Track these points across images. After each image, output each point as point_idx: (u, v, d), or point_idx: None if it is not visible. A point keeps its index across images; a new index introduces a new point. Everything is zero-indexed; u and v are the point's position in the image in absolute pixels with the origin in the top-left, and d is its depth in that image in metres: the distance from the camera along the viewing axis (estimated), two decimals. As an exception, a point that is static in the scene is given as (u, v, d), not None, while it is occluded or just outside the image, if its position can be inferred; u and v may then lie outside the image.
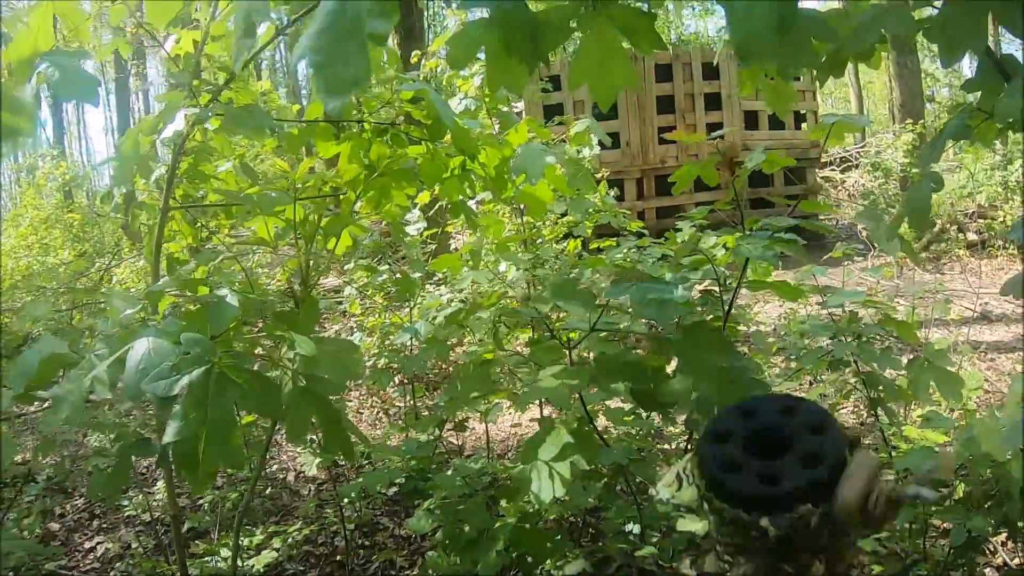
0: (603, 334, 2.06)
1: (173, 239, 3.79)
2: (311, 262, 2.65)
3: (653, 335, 1.93)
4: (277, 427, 2.72)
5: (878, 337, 3.26)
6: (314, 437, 4.32)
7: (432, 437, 3.73)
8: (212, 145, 3.04)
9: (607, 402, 2.92)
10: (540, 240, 5.08)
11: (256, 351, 2.15)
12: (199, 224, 3.81)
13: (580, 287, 1.92)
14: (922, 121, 12.32)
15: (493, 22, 1.46)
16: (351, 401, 6.10)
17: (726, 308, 2.43)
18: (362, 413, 5.89)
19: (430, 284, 5.56)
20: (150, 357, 1.73)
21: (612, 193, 5.72)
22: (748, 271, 2.49)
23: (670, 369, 1.92)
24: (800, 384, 5.48)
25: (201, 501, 4.60)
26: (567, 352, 2.14)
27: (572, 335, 2.17)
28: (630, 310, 1.96)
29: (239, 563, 3.59)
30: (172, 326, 1.83)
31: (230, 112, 2.61)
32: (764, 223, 2.32)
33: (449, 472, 2.82)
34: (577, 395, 2.12)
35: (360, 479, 3.42)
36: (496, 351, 2.47)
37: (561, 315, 2.63)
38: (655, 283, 1.89)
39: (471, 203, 4.31)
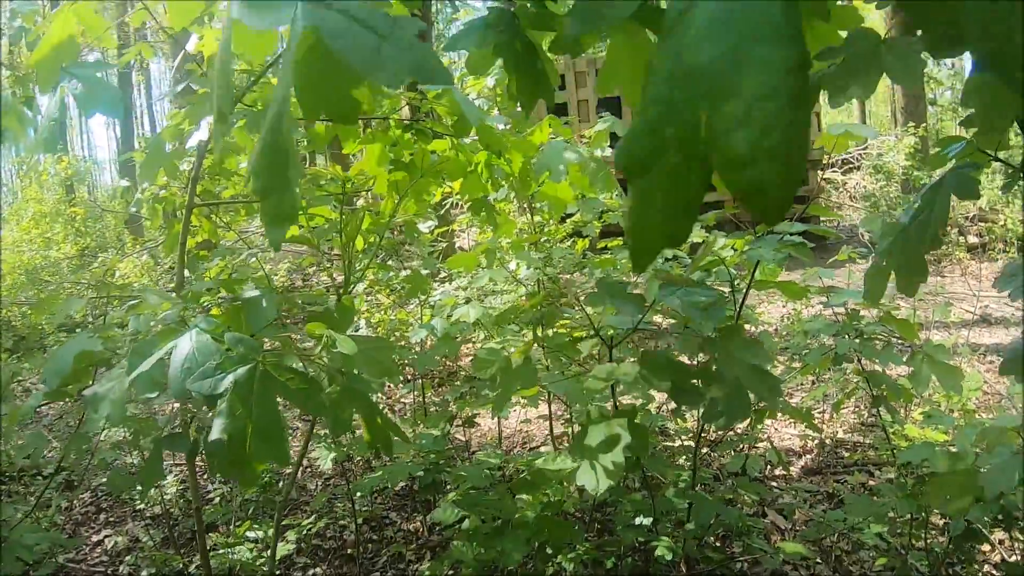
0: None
1: (193, 234, 3.85)
2: (351, 262, 2.71)
3: (694, 335, 2.00)
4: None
5: (880, 336, 3.33)
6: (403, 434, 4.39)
7: (442, 432, 3.80)
8: (236, 143, 3.09)
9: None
10: (546, 240, 5.15)
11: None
12: (215, 219, 3.88)
13: (631, 291, 2.00)
14: (924, 124, 12.42)
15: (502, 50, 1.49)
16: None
17: (737, 308, 2.50)
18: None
19: (436, 282, 5.62)
20: (194, 356, 1.78)
21: (617, 192, 5.78)
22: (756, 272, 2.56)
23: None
24: (802, 384, 5.56)
25: (211, 495, 4.65)
26: (609, 350, 2.22)
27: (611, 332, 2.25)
28: (673, 311, 2.03)
29: (252, 555, 3.65)
30: (211, 324, 1.88)
31: (251, 116, 2.66)
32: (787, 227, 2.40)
33: (467, 465, 2.89)
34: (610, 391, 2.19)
35: (377, 473, 3.47)
36: (531, 346, 2.52)
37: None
38: (701, 288, 1.99)
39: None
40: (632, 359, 2.08)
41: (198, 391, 1.71)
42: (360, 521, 4.16)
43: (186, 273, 2.86)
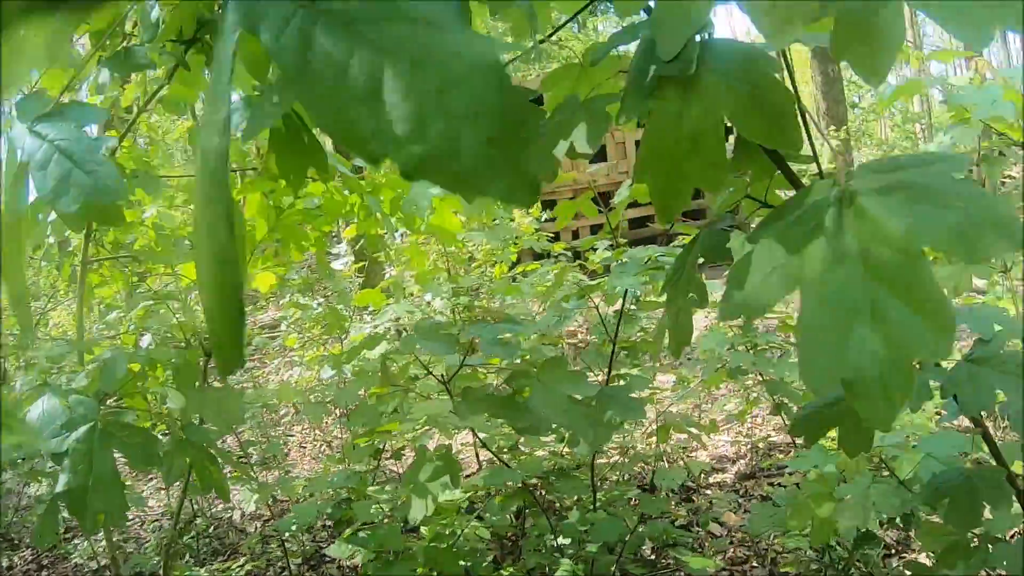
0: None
1: (105, 284, 3.87)
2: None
3: (514, 369, 2.07)
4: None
5: (776, 345, 3.40)
6: (252, 474, 4.40)
7: (369, 467, 3.82)
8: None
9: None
10: (472, 266, 5.21)
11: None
12: (129, 270, 3.90)
13: (443, 331, 2.07)
14: (845, 127, 12.65)
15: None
16: (293, 436, 6.17)
17: (614, 334, 2.57)
18: (305, 447, 5.95)
19: (368, 315, 5.65)
20: (43, 416, 1.86)
21: (545, 215, 5.85)
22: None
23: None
24: (706, 394, 5.57)
25: (148, 542, 4.65)
26: (444, 386, 2.29)
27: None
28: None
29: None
30: (68, 384, 1.96)
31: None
32: (633, 253, 2.48)
33: (361, 501, 2.94)
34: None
35: (289, 515, 3.50)
36: (387, 385, 2.60)
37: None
38: (511, 324, 2.08)
39: (397, 235, 4.43)
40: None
41: (47, 449, 1.81)
42: (299, 561, 4.17)
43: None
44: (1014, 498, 1.72)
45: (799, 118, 0.86)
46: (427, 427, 3.24)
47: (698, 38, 0.95)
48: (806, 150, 1.00)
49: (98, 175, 0.86)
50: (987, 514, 1.77)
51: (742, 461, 4.97)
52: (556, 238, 5.48)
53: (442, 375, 2.29)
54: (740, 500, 4.41)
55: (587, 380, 1.97)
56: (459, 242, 4.67)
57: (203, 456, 1.93)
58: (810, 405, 1.52)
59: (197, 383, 2.09)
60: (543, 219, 5.88)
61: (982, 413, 1.59)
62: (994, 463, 1.71)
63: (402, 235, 4.40)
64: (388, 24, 0.65)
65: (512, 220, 4.81)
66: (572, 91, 1.39)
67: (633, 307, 3.12)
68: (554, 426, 2.02)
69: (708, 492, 4.54)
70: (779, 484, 4.47)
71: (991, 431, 1.73)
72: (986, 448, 1.68)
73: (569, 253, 5.19)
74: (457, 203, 2.92)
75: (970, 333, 1.58)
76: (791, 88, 1.03)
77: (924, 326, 0.65)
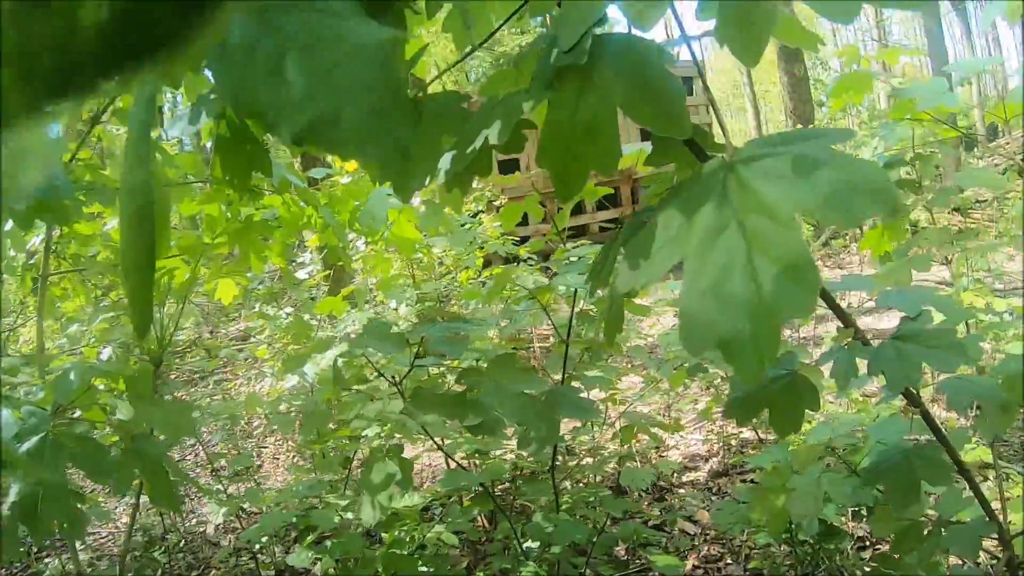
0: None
1: (68, 298, 3.86)
2: (167, 322, 2.76)
3: (465, 367, 2.09)
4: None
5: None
6: (220, 487, 4.39)
7: (340, 476, 3.82)
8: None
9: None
10: (441, 272, 5.22)
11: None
12: (92, 283, 3.90)
13: (392, 331, 2.09)
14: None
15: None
16: (267, 447, 6.15)
17: (568, 331, 2.60)
18: (279, 459, 5.94)
19: (338, 323, 5.66)
20: None
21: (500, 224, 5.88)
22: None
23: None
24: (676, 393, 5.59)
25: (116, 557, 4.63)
26: (396, 388, 2.31)
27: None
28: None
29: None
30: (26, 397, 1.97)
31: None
32: (579, 251, 2.51)
33: (318, 510, 2.95)
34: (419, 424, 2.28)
35: (256, 525, 3.49)
36: (338, 390, 2.61)
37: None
38: (461, 323, 2.10)
39: (360, 244, 4.45)
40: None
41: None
42: (272, 573, 4.16)
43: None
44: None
45: (684, 104, 0.90)
46: (394, 434, 3.26)
47: (600, 32, 1.00)
48: (720, 138, 1.03)
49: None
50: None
51: (714, 459, 5.00)
52: (524, 241, 5.52)
53: (393, 376, 2.30)
54: (714, 498, 4.44)
55: (537, 377, 1.99)
56: (424, 249, 4.69)
57: (153, 467, 1.93)
58: (740, 388, 1.55)
59: (150, 393, 2.09)
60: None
61: (919, 394, 1.62)
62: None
63: (365, 243, 4.41)
64: (293, 13, 0.75)
65: (479, 225, 4.84)
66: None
67: (593, 307, 3.14)
68: (510, 430, 2.03)
69: (681, 491, 4.57)
70: (751, 480, 4.50)
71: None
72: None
73: (535, 256, 5.23)
74: (413, 214, 2.95)
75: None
76: (704, 83, 1.07)
77: (792, 286, 0.68)
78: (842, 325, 1.56)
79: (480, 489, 2.91)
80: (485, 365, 2.05)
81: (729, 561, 3.75)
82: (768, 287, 0.70)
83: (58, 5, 0.29)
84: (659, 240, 0.85)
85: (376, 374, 2.51)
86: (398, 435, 3.42)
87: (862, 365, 1.53)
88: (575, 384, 2.78)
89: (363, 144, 0.68)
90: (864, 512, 3.28)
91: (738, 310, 0.71)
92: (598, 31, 0.98)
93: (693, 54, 1.14)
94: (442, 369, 3.00)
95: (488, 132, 1.12)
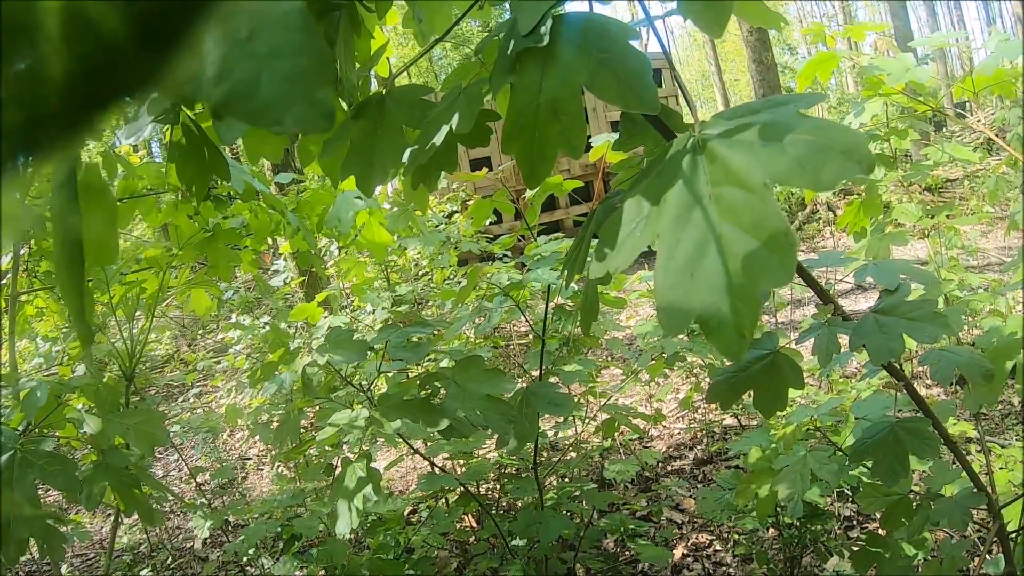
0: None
1: (42, 317, 3.80)
2: (137, 337, 2.72)
3: (429, 371, 2.08)
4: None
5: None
6: (204, 500, 4.35)
7: (326, 483, 3.79)
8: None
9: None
10: (418, 273, 5.20)
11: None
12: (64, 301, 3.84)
13: (353, 338, 2.07)
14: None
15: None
16: (251, 458, 6.11)
17: (543, 326, 2.57)
18: (262, 469, 5.90)
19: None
20: None
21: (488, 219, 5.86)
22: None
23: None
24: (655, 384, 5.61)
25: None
26: (363, 394, 2.30)
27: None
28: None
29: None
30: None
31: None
32: (549, 245, 2.50)
33: (301, 518, 2.92)
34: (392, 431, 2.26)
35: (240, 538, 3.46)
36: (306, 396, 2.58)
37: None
38: (417, 327, 2.09)
39: (334, 249, 4.41)
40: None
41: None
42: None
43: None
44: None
45: (650, 78, 0.87)
46: (374, 438, 3.23)
47: (559, 12, 0.98)
48: (689, 118, 1.01)
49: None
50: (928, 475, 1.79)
51: (699, 447, 5.00)
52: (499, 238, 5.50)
53: (361, 383, 2.28)
54: (700, 485, 4.44)
55: (504, 378, 1.97)
56: (398, 251, 4.67)
57: (125, 480, 1.90)
58: (724, 371, 1.53)
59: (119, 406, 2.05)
60: (487, 222, 5.88)
61: (902, 368, 1.61)
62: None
63: (338, 248, 4.39)
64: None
65: (451, 225, 4.82)
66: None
67: (569, 302, 3.12)
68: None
69: (667, 480, 4.57)
70: (736, 467, 4.51)
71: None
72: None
73: (510, 253, 5.21)
74: (383, 215, 2.93)
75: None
76: (670, 63, 1.05)
77: (768, 253, 0.66)
78: (821, 307, 1.55)
79: (463, 490, 2.89)
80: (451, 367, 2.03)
81: (718, 548, 3.75)
82: (743, 258, 0.68)
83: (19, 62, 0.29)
84: (630, 222, 0.82)
85: (343, 382, 2.49)
86: (380, 439, 3.40)
87: (844, 343, 1.52)
88: (553, 379, 2.75)
89: (283, 111, 0.66)
90: (849, 492, 3.29)
91: (714, 285, 0.68)
92: (558, 11, 0.96)
93: (659, 36, 1.12)
94: (421, 371, 2.98)
95: (451, 123, 1.10)
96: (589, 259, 0.95)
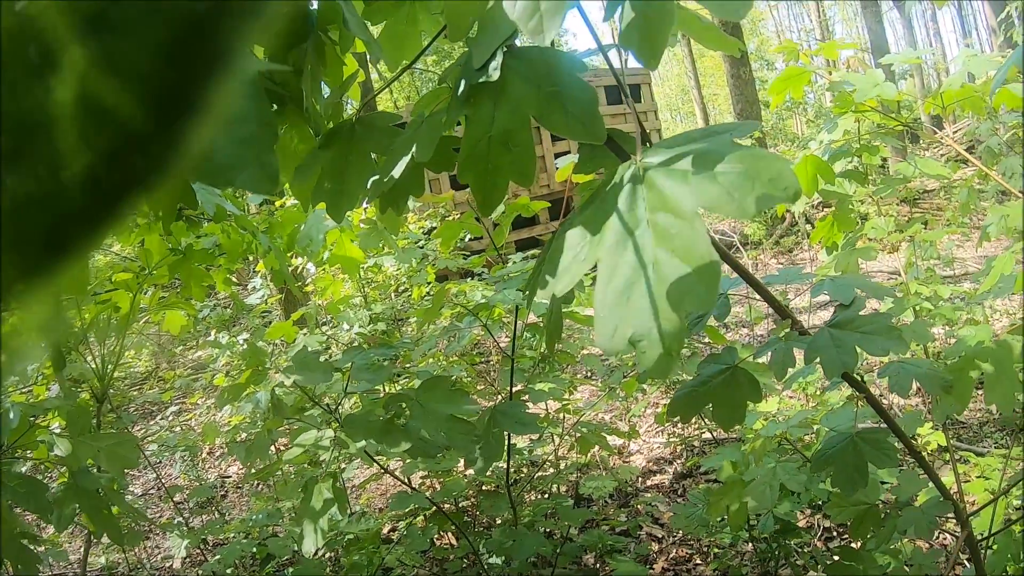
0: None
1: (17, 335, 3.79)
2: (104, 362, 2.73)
3: (394, 394, 2.10)
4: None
5: (687, 346, 3.45)
6: (182, 519, 4.34)
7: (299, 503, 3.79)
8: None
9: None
10: (396, 291, 5.21)
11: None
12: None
13: (321, 360, 2.10)
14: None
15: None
16: (230, 476, 6.09)
17: (512, 347, 2.60)
18: (241, 488, 5.88)
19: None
20: None
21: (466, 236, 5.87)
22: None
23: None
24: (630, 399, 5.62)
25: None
26: (331, 414, 2.32)
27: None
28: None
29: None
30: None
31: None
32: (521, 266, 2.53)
33: (277, 537, 2.93)
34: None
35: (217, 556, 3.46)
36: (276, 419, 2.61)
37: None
38: (382, 350, 2.12)
39: (311, 267, 4.43)
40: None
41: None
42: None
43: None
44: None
45: (596, 110, 0.91)
46: (349, 458, 3.24)
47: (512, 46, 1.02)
48: (655, 136, 1.05)
49: None
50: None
51: (678, 461, 5.02)
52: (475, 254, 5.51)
53: (328, 404, 2.31)
54: (679, 500, 4.45)
55: (467, 399, 2.00)
56: (374, 268, 4.68)
57: (92, 501, 1.92)
58: (685, 385, 1.56)
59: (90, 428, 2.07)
60: (467, 238, 5.90)
61: (863, 380, 1.64)
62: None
63: (314, 267, 4.40)
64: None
65: (430, 242, 4.83)
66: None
67: (543, 320, 3.14)
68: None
69: (647, 495, 4.58)
70: (715, 481, 4.52)
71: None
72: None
73: (486, 269, 5.22)
74: (355, 233, 2.95)
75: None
76: (623, 88, 1.09)
77: (695, 279, 0.70)
78: (780, 322, 1.59)
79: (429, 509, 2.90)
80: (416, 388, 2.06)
81: (698, 562, 3.76)
82: (672, 283, 0.71)
83: (37, 161, 0.27)
84: (573, 247, 0.86)
85: (311, 402, 2.51)
86: (358, 459, 3.41)
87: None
88: (524, 398, 2.78)
89: (235, 173, 0.70)
90: (822, 504, 3.32)
91: (645, 309, 0.72)
92: (512, 44, 1.00)
93: (610, 63, 1.15)
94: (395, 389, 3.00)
95: (413, 151, 1.13)
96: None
